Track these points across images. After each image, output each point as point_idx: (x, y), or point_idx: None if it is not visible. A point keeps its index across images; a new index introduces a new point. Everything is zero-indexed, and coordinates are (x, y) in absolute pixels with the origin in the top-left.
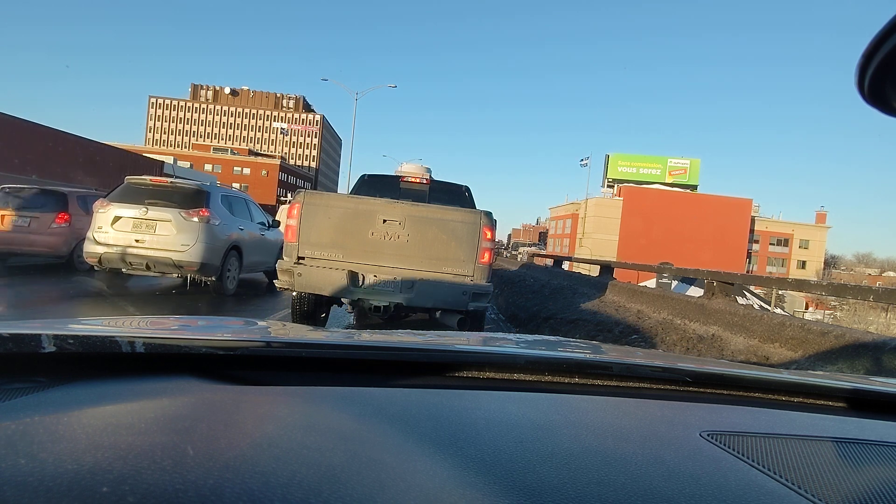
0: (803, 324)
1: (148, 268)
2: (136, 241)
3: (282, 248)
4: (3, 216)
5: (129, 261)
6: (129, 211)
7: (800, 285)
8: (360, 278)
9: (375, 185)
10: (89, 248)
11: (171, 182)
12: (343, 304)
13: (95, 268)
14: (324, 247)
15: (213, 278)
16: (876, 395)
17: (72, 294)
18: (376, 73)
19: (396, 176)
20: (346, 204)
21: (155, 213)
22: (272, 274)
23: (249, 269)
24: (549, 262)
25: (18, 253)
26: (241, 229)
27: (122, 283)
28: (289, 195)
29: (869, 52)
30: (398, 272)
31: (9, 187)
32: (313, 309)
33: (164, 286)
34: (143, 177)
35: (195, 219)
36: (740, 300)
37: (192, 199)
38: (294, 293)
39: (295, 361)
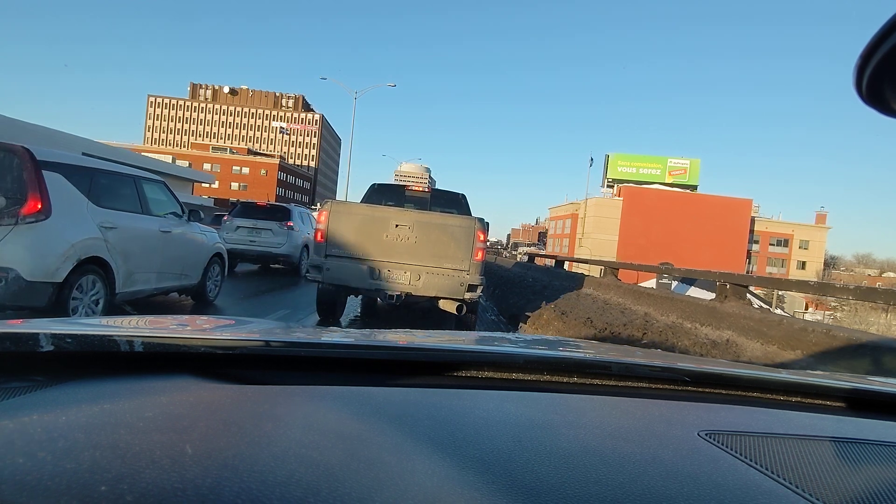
0: (828, 329)
1: (256, 258)
2: (251, 241)
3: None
4: None
5: (246, 253)
6: (245, 222)
7: (822, 289)
8: (377, 272)
9: (384, 193)
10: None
11: (268, 203)
12: (359, 294)
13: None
14: (347, 246)
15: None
16: (874, 394)
17: None
18: (376, 71)
19: (402, 185)
20: (365, 212)
21: (261, 224)
22: None
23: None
24: (549, 262)
25: None
26: (308, 234)
27: (237, 266)
28: (295, 196)
29: (867, 53)
30: (408, 267)
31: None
32: (334, 298)
33: (258, 269)
34: (253, 200)
35: (285, 228)
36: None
37: (282, 214)
38: (319, 285)
39: (293, 361)
